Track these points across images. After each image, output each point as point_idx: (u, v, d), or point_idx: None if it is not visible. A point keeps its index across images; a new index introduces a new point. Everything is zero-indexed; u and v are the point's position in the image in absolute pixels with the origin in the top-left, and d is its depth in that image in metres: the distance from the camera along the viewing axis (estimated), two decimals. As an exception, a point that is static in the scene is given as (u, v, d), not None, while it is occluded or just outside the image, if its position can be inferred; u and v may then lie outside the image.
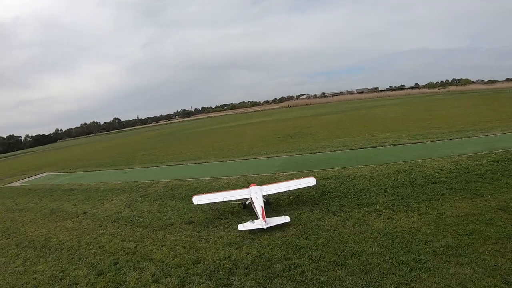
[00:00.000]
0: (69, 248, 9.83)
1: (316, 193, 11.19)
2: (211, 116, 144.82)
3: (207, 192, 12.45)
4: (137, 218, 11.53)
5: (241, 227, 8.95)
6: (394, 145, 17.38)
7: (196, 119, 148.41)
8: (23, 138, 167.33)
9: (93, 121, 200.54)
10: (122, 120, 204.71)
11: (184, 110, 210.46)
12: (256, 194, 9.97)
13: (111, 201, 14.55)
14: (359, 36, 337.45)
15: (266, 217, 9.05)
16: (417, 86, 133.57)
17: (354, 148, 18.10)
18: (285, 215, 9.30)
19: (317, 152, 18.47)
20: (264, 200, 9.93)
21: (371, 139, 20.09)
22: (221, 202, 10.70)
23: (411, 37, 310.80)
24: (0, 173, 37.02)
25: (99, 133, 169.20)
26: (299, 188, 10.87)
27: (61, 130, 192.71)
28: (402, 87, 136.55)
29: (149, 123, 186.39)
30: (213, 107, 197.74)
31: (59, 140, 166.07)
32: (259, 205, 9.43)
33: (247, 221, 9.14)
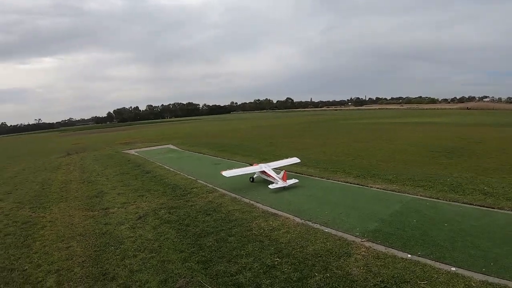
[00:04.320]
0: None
1: None
2: (383, 108, 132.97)
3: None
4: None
5: (270, 186, 13.49)
6: None
7: (368, 109, 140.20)
8: (200, 106, 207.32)
9: (266, 98, 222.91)
10: (294, 101, 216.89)
11: (358, 98, 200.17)
12: (267, 168, 14.81)
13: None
14: None
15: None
16: None
17: None
18: (294, 179, 14.25)
19: (464, 204, 10.67)
20: (284, 171, 14.12)
21: None
22: (243, 174, 14.83)
23: None
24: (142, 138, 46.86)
25: (271, 110, 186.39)
26: (288, 165, 16.23)
27: (236, 103, 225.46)
28: None
29: (321, 107, 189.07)
30: (388, 98, 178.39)
31: (232, 112, 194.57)
32: (273, 173, 14.28)
33: (272, 184, 13.72)
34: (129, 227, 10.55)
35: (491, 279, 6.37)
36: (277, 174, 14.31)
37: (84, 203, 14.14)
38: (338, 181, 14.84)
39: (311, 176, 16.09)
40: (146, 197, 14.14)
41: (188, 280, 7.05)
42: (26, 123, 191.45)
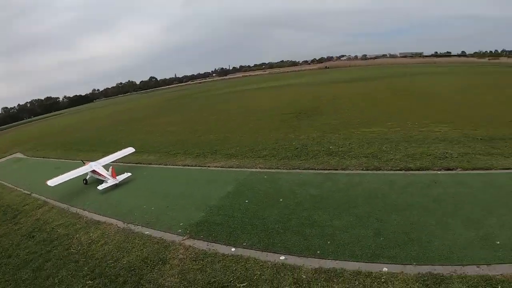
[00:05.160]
0: None
1: None
2: (247, 76, 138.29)
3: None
4: None
5: (99, 187, 11.86)
6: (470, 171, 8.69)
7: (232, 78, 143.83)
8: (61, 99, 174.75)
9: (129, 81, 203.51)
10: (158, 79, 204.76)
11: (222, 68, 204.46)
12: (97, 166, 13.09)
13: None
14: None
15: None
16: (464, 54, 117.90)
17: (383, 169, 9.54)
18: (126, 173, 12.77)
19: (306, 170, 10.50)
20: (112, 167, 12.66)
21: (418, 140, 11.69)
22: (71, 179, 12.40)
23: (464, 2, 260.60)
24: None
25: (135, 92, 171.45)
26: (124, 156, 14.82)
27: (98, 90, 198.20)
28: (448, 54, 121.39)
29: (186, 81, 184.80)
30: (252, 65, 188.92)
31: (95, 100, 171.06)
32: (104, 171, 12.71)
33: (102, 183, 12.09)
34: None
35: (327, 263, 5.78)
36: (108, 171, 12.78)
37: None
38: (176, 165, 13.56)
39: (150, 164, 14.44)
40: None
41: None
42: None
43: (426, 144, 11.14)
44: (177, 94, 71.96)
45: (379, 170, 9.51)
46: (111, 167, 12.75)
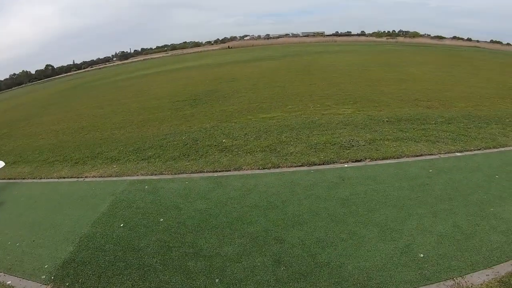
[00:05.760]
0: None
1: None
2: (148, 59, 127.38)
3: None
4: None
5: None
6: (379, 162, 7.65)
7: (133, 61, 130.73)
8: None
9: (23, 70, 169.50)
10: (55, 67, 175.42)
11: (123, 52, 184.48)
12: None
13: None
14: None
15: None
16: (363, 33, 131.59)
17: (282, 166, 7.88)
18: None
19: (194, 173, 8.31)
20: None
21: (321, 126, 10.38)
22: None
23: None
24: None
25: (30, 84, 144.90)
26: None
27: None
28: (348, 34, 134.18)
29: (84, 68, 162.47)
30: (154, 48, 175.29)
31: None
32: None
33: None
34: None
35: None
36: None
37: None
38: (52, 178, 10.29)
39: (24, 179, 10.75)
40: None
41: None
42: None
43: (329, 130, 9.84)
44: (72, 83, 61.10)
45: (277, 168, 7.68)
46: None
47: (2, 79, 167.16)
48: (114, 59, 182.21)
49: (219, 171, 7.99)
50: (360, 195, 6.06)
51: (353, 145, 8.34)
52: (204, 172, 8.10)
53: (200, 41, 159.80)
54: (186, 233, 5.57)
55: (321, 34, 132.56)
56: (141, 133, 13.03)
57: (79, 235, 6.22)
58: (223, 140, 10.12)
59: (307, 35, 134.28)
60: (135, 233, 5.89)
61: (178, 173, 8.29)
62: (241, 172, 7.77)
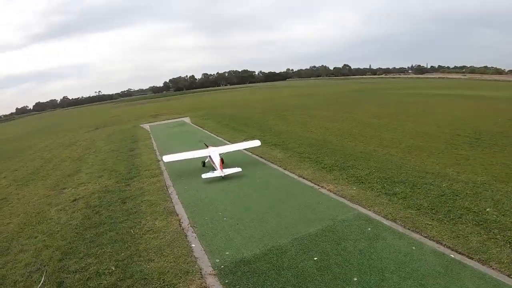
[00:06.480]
0: None
1: None
2: (443, 78, 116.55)
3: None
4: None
5: (203, 176, 11.45)
6: None
7: (427, 77, 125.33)
8: (256, 73, 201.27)
9: (322, 65, 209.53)
10: (352, 68, 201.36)
11: (419, 66, 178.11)
12: (214, 153, 12.55)
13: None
14: None
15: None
16: None
17: None
18: (237, 167, 12.01)
19: None
20: (221, 158, 12.43)
21: None
22: (185, 159, 12.77)
23: None
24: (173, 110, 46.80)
25: (327, 77, 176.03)
26: (247, 148, 14.50)
27: (292, 70, 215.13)
28: None
29: (379, 74, 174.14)
30: (451, 67, 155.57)
31: (288, 79, 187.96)
32: (217, 160, 12.16)
33: (208, 172, 11.72)
34: (59, 209, 10.52)
35: None
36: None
37: (56, 181, 14.26)
38: (293, 173, 11.82)
39: (271, 163, 13.40)
40: (101, 178, 13.72)
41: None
42: (87, 95, 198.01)
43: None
44: (362, 87, 68.43)
45: None
46: (220, 158, 12.34)
47: (303, 68, 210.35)
48: (410, 71, 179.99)
49: (460, 253, 6.12)
50: None
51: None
52: (441, 243, 6.47)
53: (503, 68, 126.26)
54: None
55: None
56: (402, 160, 12.41)
57: (270, 244, 6.94)
58: (487, 209, 7.70)
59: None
60: (325, 274, 5.76)
61: (411, 230, 7.06)
62: (484, 269, 5.60)
